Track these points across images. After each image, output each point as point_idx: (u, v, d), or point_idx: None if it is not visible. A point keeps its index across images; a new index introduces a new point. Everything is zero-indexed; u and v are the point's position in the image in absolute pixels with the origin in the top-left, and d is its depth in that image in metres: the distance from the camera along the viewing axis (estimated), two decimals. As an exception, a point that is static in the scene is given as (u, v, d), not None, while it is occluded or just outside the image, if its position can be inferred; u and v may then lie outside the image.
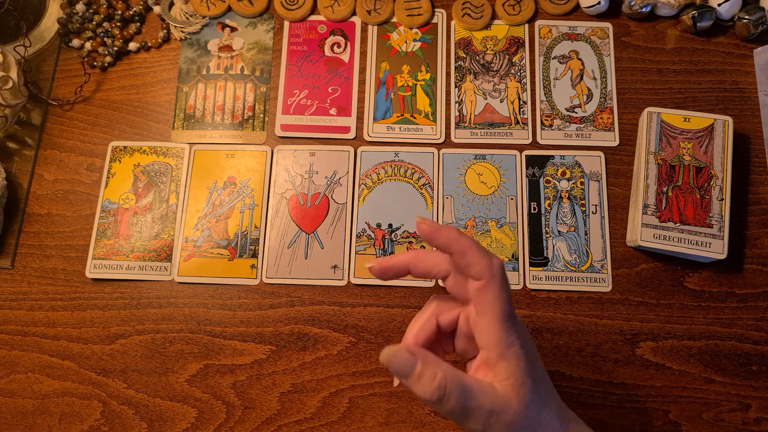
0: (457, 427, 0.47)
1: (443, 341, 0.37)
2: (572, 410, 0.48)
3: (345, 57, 0.58)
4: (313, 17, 0.60)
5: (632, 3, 0.56)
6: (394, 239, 0.52)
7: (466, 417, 0.32)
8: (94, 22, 0.59)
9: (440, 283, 0.51)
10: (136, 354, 0.50)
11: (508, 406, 0.32)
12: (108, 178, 0.55)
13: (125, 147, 0.56)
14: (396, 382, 0.37)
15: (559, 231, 0.52)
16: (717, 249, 0.48)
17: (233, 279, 0.52)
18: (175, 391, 0.49)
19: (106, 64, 0.58)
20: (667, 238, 0.49)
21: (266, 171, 0.55)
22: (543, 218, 0.52)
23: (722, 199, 0.49)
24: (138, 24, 0.60)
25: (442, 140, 0.55)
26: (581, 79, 0.56)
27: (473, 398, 0.32)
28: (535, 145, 0.55)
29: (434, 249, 0.34)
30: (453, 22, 0.58)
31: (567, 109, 0.55)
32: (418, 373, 0.32)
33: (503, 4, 0.58)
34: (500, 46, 0.58)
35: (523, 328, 0.34)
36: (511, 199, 0.53)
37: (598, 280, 0.50)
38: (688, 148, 0.51)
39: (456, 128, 0.55)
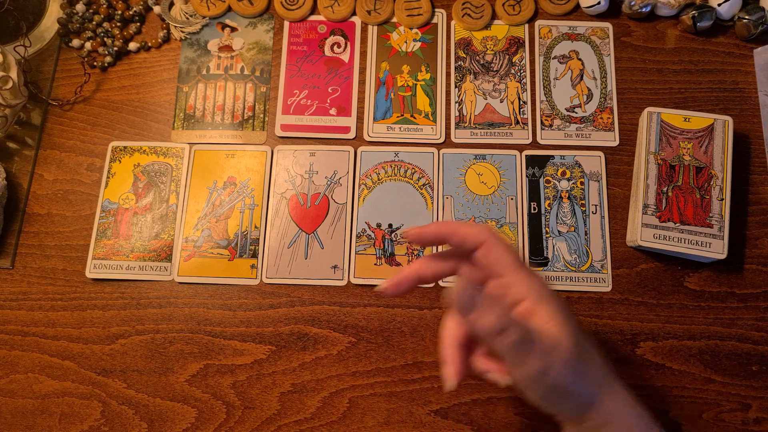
0: (456, 427, 0.47)
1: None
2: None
3: (345, 57, 0.58)
4: (313, 17, 0.60)
5: (632, 3, 0.56)
6: (394, 239, 0.52)
7: (527, 352, 0.32)
8: (94, 22, 0.59)
9: (440, 283, 0.51)
10: (136, 354, 0.50)
11: (560, 344, 0.33)
12: (108, 178, 0.55)
13: (125, 147, 0.56)
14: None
15: (559, 231, 0.52)
16: (717, 249, 0.48)
17: (233, 279, 0.52)
18: (175, 391, 0.49)
19: (106, 64, 0.58)
20: (667, 238, 0.49)
21: (266, 171, 0.55)
22: (543, 218, 0.52)
23: (722, 199, 0.49)
24: (138, 24, 0.60)
25: (442, 140, 0.55)
26: (581, 79, 0.56)
27: (532, 332, 0.33)
28: (535, 145, 0.55)
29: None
30: (453, 22, 0.58)
31: (567, 109, 0.55)
32: (483, 306, 0.32)
33: (503, 4, 0.58)
34: (500, 46, 0.58)
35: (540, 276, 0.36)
36: (511, 199, 0.53)
37: (598, 280, 0.50)
38: (688, 148, 0.51)
39: (456, 128, 0.55)
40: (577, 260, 0.51)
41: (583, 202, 0.52)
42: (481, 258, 0.35)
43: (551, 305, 0.34)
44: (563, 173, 0.53)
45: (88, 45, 0.59)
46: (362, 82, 0.57)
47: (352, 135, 0.56)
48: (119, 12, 0.60)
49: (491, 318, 0.32)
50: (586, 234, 0.52)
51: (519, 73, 0.57)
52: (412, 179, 0.54)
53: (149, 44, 0.59)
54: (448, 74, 0.57)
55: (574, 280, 0.50)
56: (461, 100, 0.56)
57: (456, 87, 0.57)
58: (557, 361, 0.33)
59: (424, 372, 0.49)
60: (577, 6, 0.58)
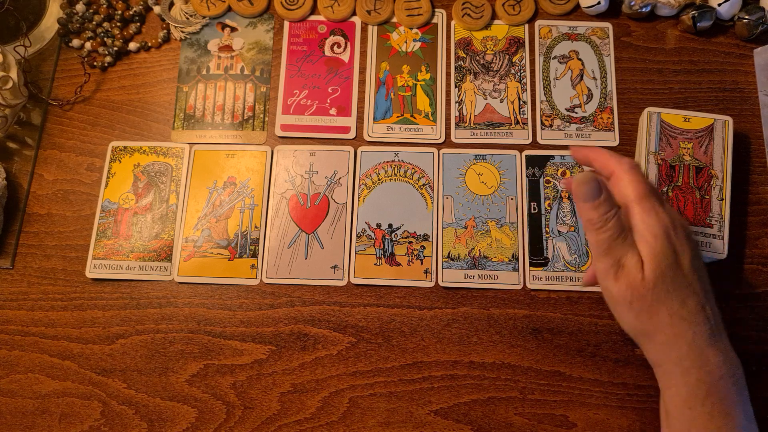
0: (456, 427, 0.47)
1: None
2: (572, 410, 0.48)
3: (345, 57, 0.58)
4: (313, 17, 0.60)
5: (632, 3, 0.56)
6: (394, 239, 0.52)
7: (611, 250, 0.37)
8: (94, 22, 0.59)
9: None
10: (136, 354, 0.50)
11: (640, 270, 0.37)
12: (108, 178, 0.55)
13: (125, 147, 0.56)
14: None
15: (559, 231, 0.52)
16: (717, 249, 0.48)
17: (233, 279, 0.52)
18: (175, 391, 0.49)
19: (106, 64, 0.58)
20: (667, 238, 0.48)
21: (266, 171, 0.55)
22: (543, 218, 0.52)
23: (722, 199, 0.49)
24: (138, 24, 0.60)
25: (442, 140, 0.55)
26: (581, 79, 0.56)
27: (625, 243, 0.37)
28: (535, 145, 0.55)
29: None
30: (453, 22, 0.58)
31: (567, 109, 0.55)
32: (600, 201, 0.37)
33: (503, 4, 0.58)
34: (500, 46, 0.58)
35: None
36: (511, 199, 0.53)
37: (598, 280, 0.50)
38: (688, 148, 0.51)
39: (456, 128, 0.55)
40: (578, 260, 0.51)
41: (583, 202, 0.52)
42: (612, 187, 0.39)
43: (657, 245, 0.36)
44: (563, 173, 0.53)
45: (88, 45, 0.59)
46: (362, 82, 0.57)
47: (352, 135, 0.56)
48: (119, 12, 0.60)
49: (601, 212, 0.36)
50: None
51: (519, 73, 0.57)
52: (412, 179, 0.54)
53: (149, 44, 0.59)
54: (448, 74, 0.57)
55: (574, 280, 0.50)
56: (461, 100, 0.56)
57: (456, 87, 0.57)
58: (630, 276, 0.36)
59: (424, 372, 0.49)
60: (577, 6, 0.58)
